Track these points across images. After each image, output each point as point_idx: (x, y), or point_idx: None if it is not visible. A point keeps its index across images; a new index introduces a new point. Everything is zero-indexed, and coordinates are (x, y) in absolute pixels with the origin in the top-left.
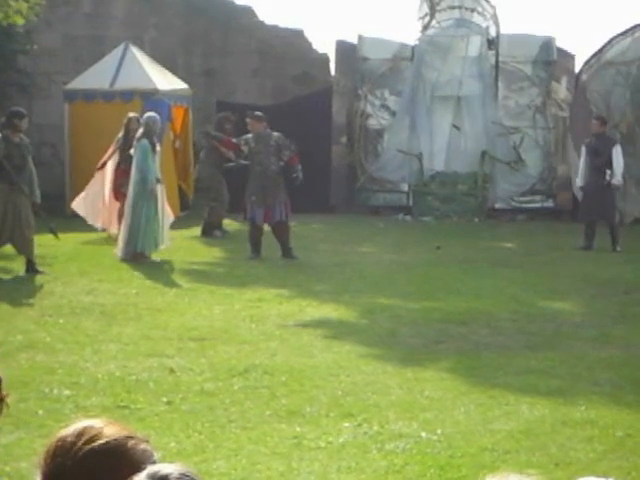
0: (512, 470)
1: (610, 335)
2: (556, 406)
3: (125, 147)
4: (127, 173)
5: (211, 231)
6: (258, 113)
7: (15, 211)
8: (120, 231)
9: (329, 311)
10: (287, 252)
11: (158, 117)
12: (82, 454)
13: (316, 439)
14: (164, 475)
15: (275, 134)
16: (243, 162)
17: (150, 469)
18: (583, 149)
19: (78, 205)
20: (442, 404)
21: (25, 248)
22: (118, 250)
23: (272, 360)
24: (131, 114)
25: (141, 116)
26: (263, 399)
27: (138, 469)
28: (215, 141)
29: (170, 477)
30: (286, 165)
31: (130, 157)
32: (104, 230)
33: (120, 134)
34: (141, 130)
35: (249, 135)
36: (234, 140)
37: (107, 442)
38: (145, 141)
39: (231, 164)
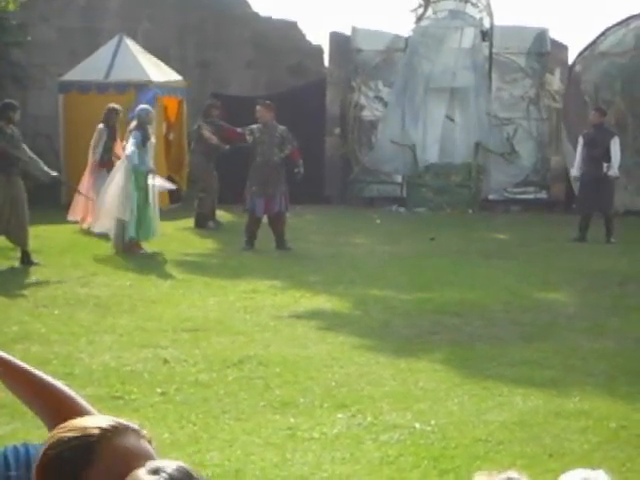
0: (499, 468)
1: (604, 326)
2: (550, 397)
3: (109, 138)
4: (111, 165)
5: (204, 222)
6: (268, 102)
7: (12, 202)
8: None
9: (323, 302)
10: (281, 243)
11: (151, 109)
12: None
13: (310, 430)
14: (159, 467)
15: (280, 127)
16: (226, 147)
17: (149, 464)
18: (580, 139)
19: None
20: (436, 395)
21: (20, 239)
22: (114, 241)
23: (266, 351)
24: (111, 105)
25: (135, 107)
26: (257, 390)
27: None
28: (220, 131)
29: (164, 468)
30: (287, 159)
31: (109, 149)
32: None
33: (101, 125)
34: (134, 122)
35: (254, 125)
36: (239, 130)
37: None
38: (137, 132)
39: (223, 150)
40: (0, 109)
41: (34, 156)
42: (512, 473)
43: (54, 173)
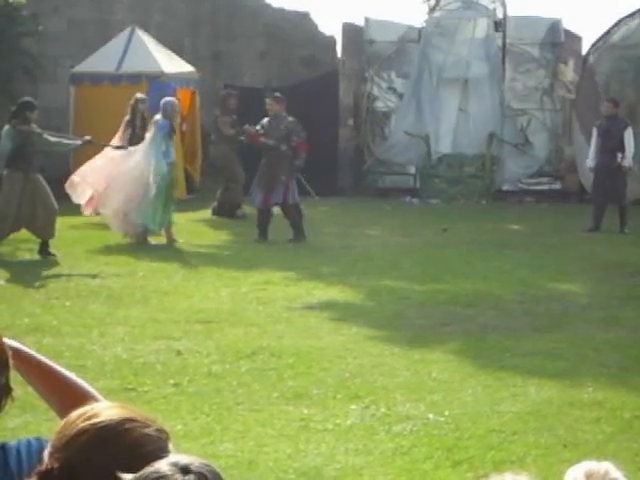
0: (513, 458)
1: (617, 317)
2: (563, 388)
3: (133, 129)
4: None
5: (233, 211)
6: (278, 94)
7: (33, 197)
8: (130, 211)
9: (336, 293)
10: (297, 235)
11: (176, 102)
12: (76, 431)
13: (323, 421)
14: (186, 464)
15: (289, 119)
16: (270, 142)
17: (171, 458)
18: (594, 131)
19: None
20: (449, 386)
21: (47, 231)
22: (130, 230)
23: (279, 342)
24: (139, 95)
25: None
26: (270, 381)
27: (134, 452)
28: (248, 139)
29: (192, 466)
30: (292, 150)
31: (138, 139)
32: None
33: (127, 117)
34: (159, 115)
35: (265, 120)
36: (260, 132)
37: (100, 422)
38: (164, 123)
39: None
40: (17, 107)
41: (57, 139)
42: (508, 476)
43: (85, 138)
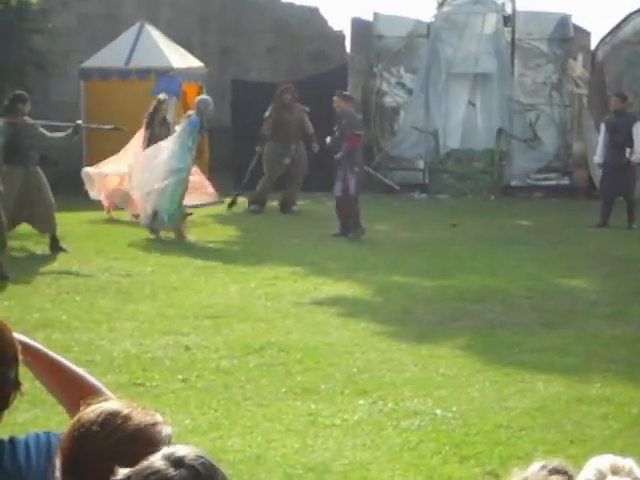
0: (520, 454)
1: (625, 312)
2: (571, 383)
3: (153, 129)
4: None
5: (249, 205)
6: (346, 92)
7: (33, 191)
8: (150, 202)
9: (344, 289)
10: (342, 230)
11: (210, 100)
12: (108, 444)
13: (331, 416)
14: (180, 457)
15: (349, 117)
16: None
17: (165, 450)
18: (602, 126)
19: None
20: (457, 381)
21: (48, 226)
22: (149, 220)
23: (287, 338)
24: (161, 96)
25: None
26: (278, 376)
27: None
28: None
29: (186, 459)
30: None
31: (156, 139)
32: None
33: (146, 119)
34: (194, 112)
35: None
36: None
37: (133, 431)
38: (195, 119)
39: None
40: (9, 101)
41: (52, 135)
42: (551, 463)
43: (75, 123)
